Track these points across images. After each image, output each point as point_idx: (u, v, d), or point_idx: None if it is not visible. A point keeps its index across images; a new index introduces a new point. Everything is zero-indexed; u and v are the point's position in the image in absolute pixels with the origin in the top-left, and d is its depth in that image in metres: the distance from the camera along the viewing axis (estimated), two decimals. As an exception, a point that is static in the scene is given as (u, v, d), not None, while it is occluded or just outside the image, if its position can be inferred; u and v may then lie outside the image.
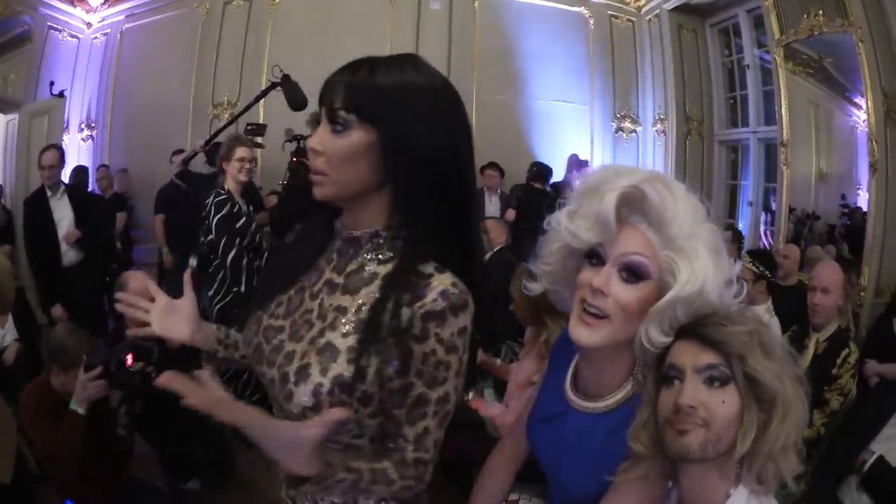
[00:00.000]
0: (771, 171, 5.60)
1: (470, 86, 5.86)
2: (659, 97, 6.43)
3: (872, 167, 4.41)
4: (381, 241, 0.88)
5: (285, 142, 4.80)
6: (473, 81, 5.98)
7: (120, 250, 5.01)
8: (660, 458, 0.89)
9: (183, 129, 5.85)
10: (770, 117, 5.49)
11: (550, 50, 6.32)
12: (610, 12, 6.51)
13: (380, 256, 0.88)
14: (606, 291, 0.91)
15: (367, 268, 0.88)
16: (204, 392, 0.76)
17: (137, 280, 2.18)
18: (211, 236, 2.92)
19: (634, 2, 6.56)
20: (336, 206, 0.91)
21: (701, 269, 0.89)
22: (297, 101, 2.84)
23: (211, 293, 2.99)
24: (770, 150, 5.62)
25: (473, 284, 0.85)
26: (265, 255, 3.06)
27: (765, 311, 2.85)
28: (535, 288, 1.09)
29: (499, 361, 2.57)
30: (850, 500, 2.10)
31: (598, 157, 6.40)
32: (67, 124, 6.02)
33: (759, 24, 5.55)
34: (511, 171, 5.54)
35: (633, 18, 6.60)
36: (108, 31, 6.31)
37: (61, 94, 5.76)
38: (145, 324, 1.03)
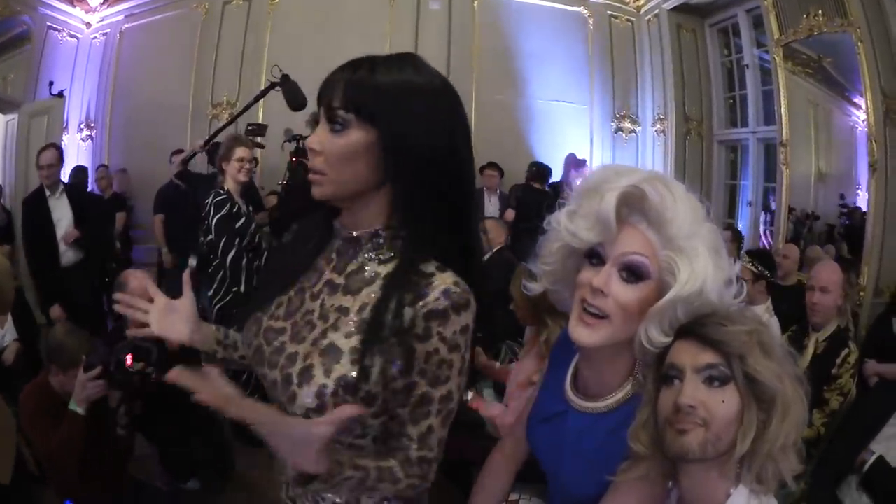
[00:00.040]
0: (770, 171, 5.60)
1: (469, 86, 5.86)
2: (658, 97, 6.43)
3: (872, 167, 4.41)
4: (381, 240, 0.88)
5: (285, 142, 4.80)
6: (473, 81, 5.98)
7: (119, 250, 5.01)
8: (660, 458, 0.89)
9: (182, 129, 5.84)
10: (769, 117, 5.49)
11: (550, 50, 6.32)
12: (609, 12, 6.51)
13: (380, 256, 0.88)
14: (606, 291, 0.91)
15: (367, 268, 0.88)
16: (214, 388, 0.75)
17: (137, 279, 2.17)
18: (210, 236, 2.91)
19: (634, 2, 6.56)
20: (334, 205, 0.91)
21: (701, 268, 0.89)
22: (296, 101, 2.84)
23: (210, 293, 2.99)
24: (769, 150, 5.62)
25: (473, 284, 0.85)
26: (265, 255, 3.06)
27: (764, 311, 2.85)
28: (535, 288, 1.09)
29: (498, 364, 2.56)
30: (850, 500, 2.10)
31: (598, 157, 6.40)
32: (67, 124, 6.02)
33: (758, 23, 5.55)
34: (510, 171, 5.54)
35: (632, 18, 6.59)
36: (108, 31, 6.31)
37: (60, 94, 5.76)
38: (144, 324, 1.03)
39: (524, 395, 1.81)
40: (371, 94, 0.81)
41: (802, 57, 5.07)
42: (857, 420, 2.33)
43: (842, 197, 5.30)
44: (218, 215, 2.88)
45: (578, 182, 1.01)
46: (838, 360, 2.39)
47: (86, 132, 6.33)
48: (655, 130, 6.51)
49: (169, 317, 1.03)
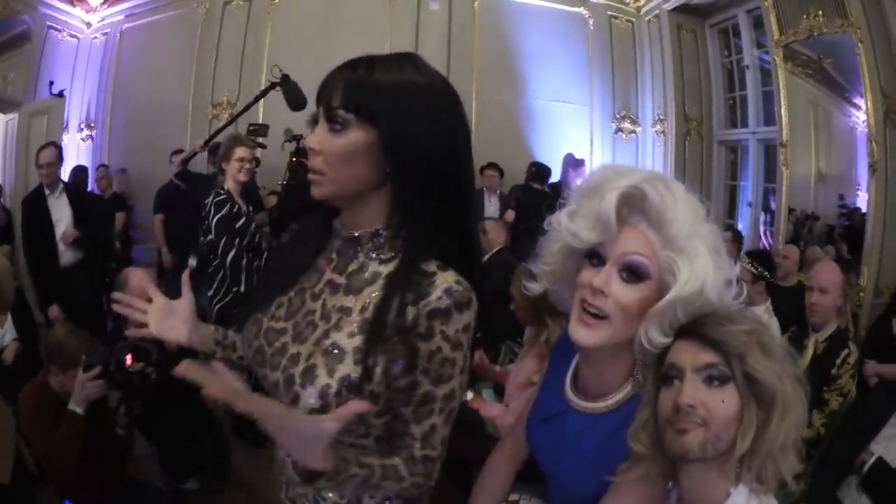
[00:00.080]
0: (770, 172, 5.60)
1: (469, 86, 5.85)
2: (658, 97, 6.43)
3: (872, 168, 4.41)
4: (382, 240, 0.88)
5: (285, 142, 4.80)
6: (473, 81, 5.98)
7: (119, 250, 5.00)
8: (660, 458, 0.89)
9: (182, 129, 5.84)
10: (769, 118, 5.49)
11: (550, 50, 6.32)
12: (609, 13, 6.51)
13: (381, 256, 0.88)
14: (607, 291, 0.91)
15: (368, 267, 0.88)
16: (222, 382, 0.75)
17: (138, 277, 2.17)
18: (210, 236, 2.91)
19: (634, 2, 6.56)
20: (334, 205, 0.91)
21: (701, 269, 0.89)
22: (296, 101, 2.84)
23: (210, 293, 2.98)
24: (769, 151, 5.61)
25: (473, 284, 0.85)
26: (265, 255, 3.06)
27: (764, 312, 2.85)
28: (535, 288, 1.09)
29: (498, 368, 2.55)
30: (850, 501, 2.10)
31: (598, 157, 6.40)
32: (67, 124, 6.01)
33: (758, 24, 5.54)
34: (510, 171, 5.54)
35: (632, 19, 6.59)
36: (108, 30, 6.31)
37: (61, 94, 5.76)
38: (144, 324, 1.03)
39: (524, 396, 1.81)
40: (371, 94, 0.81)
41: (802, 57, 5.07)
42: (856, 420, 2.33)
43: (841, 198, 5.30)
44: (218, 215, 2.87)
45: (579, 182, 1.01)
46: (838, 361, 2.39)
47: (86, 132, 6.33)
48: (655, 131, 6.51)
49: (167, 317, 1.03)
